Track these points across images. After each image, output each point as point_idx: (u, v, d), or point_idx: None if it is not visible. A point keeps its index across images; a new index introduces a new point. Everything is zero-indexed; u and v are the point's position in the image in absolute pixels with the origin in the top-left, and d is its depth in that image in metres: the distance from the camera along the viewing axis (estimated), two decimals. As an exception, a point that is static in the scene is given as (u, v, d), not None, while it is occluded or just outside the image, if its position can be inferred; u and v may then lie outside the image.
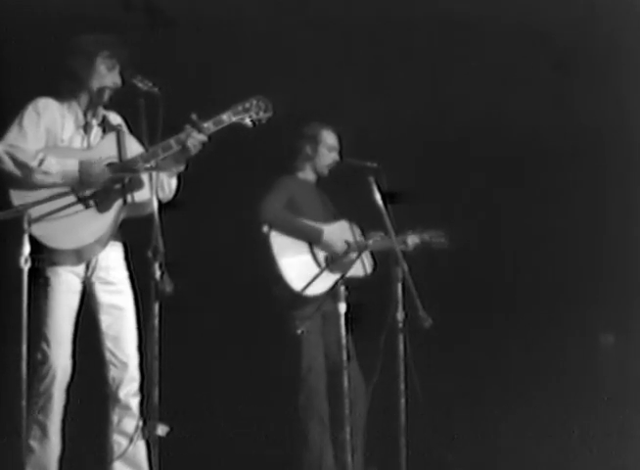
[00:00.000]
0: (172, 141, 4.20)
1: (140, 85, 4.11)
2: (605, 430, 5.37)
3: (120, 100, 4.35)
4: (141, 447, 4.24)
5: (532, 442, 5.39)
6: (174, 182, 4.39)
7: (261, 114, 4.36)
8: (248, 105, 4.35)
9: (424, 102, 5.70)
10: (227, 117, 4.31)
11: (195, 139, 4.21)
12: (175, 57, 5.49)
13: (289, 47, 5.51)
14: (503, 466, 5.35)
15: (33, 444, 4.16)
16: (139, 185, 4.21)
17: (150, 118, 4.01)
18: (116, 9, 5.46)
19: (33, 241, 3.96)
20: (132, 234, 4.31)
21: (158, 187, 4.17)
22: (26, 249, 3.89)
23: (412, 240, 5.35)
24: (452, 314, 5.44)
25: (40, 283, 4.18)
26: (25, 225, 3.91)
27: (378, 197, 4.83)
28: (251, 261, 5.06)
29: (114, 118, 4.40)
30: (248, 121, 4.34)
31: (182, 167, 4.34)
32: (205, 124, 4.26)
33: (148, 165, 4.17)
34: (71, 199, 4.15)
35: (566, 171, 5.79)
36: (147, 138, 4.10)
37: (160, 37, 5.43)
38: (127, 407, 4.27)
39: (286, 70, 5.55)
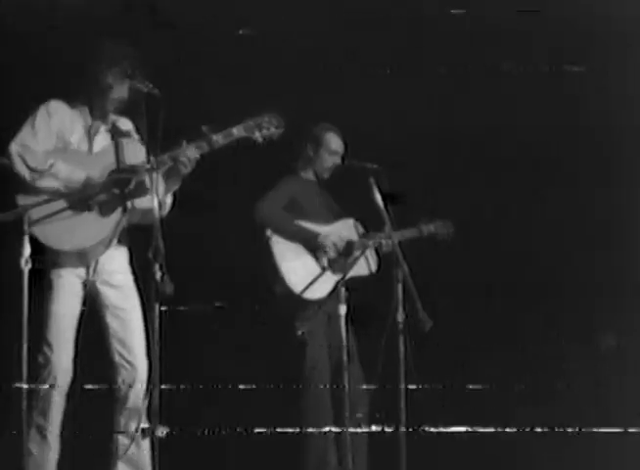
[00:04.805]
0: (166, 157, 4.17)
1: (141, 87, 4.12)
2: (606, 431, 5.38)
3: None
4: (145, 449, 4.23)
5: (534, 443, 5.39)
6: (169, 200, 4.39)
7: (272, 129, 4.33)
8: (259, 120, 4.32)
9: (425, 102, 5.70)
10: (237, 132, 4.29)
11: (187, 156, 4.18)
12: (176, 58, 5.48)
13: (291, 48, 5.50)
14: (504, 466, 5.36)
15: (32, 447, 4.15)
16: (143, 191, 4.19)
17: (151, 120, 4.01)
18: (117, 9, 5.46)
19: (36, 242, 3.99)
20: (134, 236, 4.32)
21: (157, 189, 4.14)
22: (27, 250, 3.90)
23: (427, 229, 5.42)
24: (453, 316, 5.44)
25: (44, 286, 4.19)
26: (26, 227, 3.93)
27: (378, 198, 4.83)
28: (254, 262, 5.07)
29: (125, 124, 4.40)
30: (258, 137, 4.32)
31: (177, 185, 4.33)
32: (215, 137, 4.23)
33: (148, 167, 4.15)
34: (74, 201, 4.15)
35: (567, 172, 5.79)
36: (147, 140, 4.09)
37: (160, 37, 5.42)
38: (136, 410, 4.24)
39: (287, 70, 5.54)
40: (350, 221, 5.30)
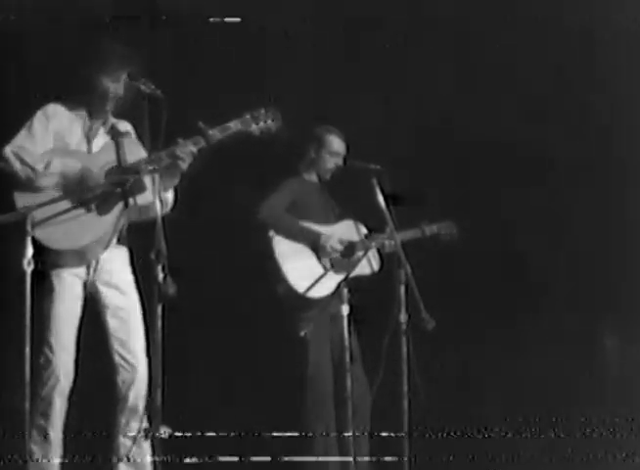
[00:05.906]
0: (163, 153, 4.17)
1: (143, 88, 4.11)
2: (608, 432, 5.38)
3: (123, 103, 4.33)
4: (146, 450, 4.23)
5: (536, 444, 5.39)
6: (171, 196, 4.38)
7: (269, 122, 4.31)
8: (256, 114, 4.31)
9: (427, 103, 5.71)
10: (234, 126, 4.27)
11: (184, 151, 4.17)
12: (176, 57, 5.48)
13: (292, 48, 5.51)
14: (506, 468, 5.35)
15: (34, 448, 4.15)
16: (140, 189, 4.18)
17: (153, 121, 4.01)
18: (116, 9, 5.46)
19: (35, 243, 3.98)
20: (137, 237, 4.32)
21: (160, 190, 4.15)
22: (29, 251, 3.89)
23: (430, 230, 5.44)
24: (455, 316, 5.44)
25: (44, 287, 4.18)
26: (28, 228, 3.92)
27: (381, 199, 4.83)
28: (256, 263, 5.06)
29: (124, 126, 4.39)
30: (255, 130, 4.30)
31: (176, 181, 4.32)
32: (211, 131, 4.21)
33: (150, 168, 4.15)
34: (73, 202, 4.15)
35: (570, 173, 5.79)
36: (149, 141, 4.09)
37: (160, 38, 5.42)
38: (136, 410, 4.25)
39: (289, 70, 5.55)
40: (351, 223, 5.30)
